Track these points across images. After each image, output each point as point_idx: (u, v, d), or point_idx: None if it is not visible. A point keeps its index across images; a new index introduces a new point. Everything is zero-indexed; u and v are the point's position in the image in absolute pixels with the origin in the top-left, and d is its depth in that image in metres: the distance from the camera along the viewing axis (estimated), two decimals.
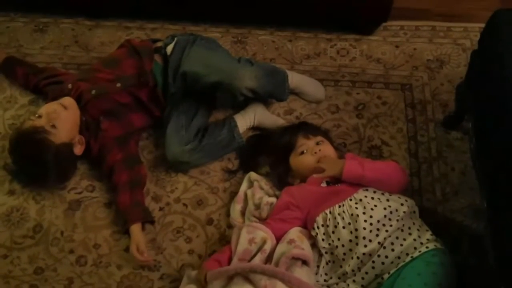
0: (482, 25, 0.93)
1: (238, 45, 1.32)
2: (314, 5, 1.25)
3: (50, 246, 1.02)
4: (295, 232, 0.91)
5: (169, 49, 1.10)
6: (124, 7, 1.36)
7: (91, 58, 1.31)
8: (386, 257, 0.83)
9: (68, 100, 1.05)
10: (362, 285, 0.85)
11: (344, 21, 1.30)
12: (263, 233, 0.90)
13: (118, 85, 1.07)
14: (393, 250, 0.83)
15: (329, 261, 0.89)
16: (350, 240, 0.86)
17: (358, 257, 0.84)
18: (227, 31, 1.35)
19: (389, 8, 1.25)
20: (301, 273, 0.85)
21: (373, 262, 0.83)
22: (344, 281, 0.87)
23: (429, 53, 1.27)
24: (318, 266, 0.90)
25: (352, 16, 1.28)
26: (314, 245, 0.92)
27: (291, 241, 0.89)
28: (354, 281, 0.85)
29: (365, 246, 0.84)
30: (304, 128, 1.02)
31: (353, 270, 0.85)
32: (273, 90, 1.12)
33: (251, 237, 0.90)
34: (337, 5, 1.24)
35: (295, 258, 0.87)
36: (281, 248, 0.89)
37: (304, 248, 0.88)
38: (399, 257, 0.82)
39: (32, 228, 1.04)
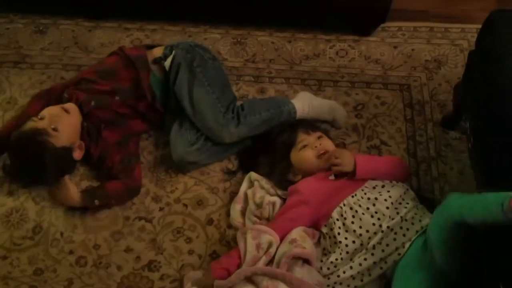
0: (479, 26, 0.93)
1: (237, 46, 1.33)
2: (313, 6, 1.26)
3: (49, 247, 1.01)
4: (297, 232, 0.92)
5: (167, 64, 1.08)
6: (124, 8, 1.37)
7: (90, 59, 1.31)
8: (408, 229, 0.84)
9: (71, 105, 1.06)
10: (381, 258, 0.85)
11: (343, 22, 1.30)
12: (268, 236, 0.91)
13: (117, 98, 1.07)
14: (413, 224, 0.84)
15: (340, 258, 0.89)
16: (374, 224, 0.87)
17: (382, 231, 0.86)
18: (226, 32, 1.36)
19: (387, 9, 1.26)
20: (301, 272, 0.86)
21: (395, 233, 0.85)
22: (359, 257, 0.86)
23: (427, 54, 1.28)
24: (326, 261, 0.90)
25: (350, 17, 1.28)
26: (318, 243, 0.93)
27: (292, 241, 0.89)
28: (372, 254, 0.85)
29: (389, 222, 0.86)
30: (304, 124, 1.03)
31: (373, 246, 0.86)
32: (268, 131, 1.08)
33: (257, 242, 0.90)
34: (336, 7, 1.24)
35: (296, 258, 0.87)
36: (283, 248, 0.89)
37: (306, 247, 0.88)
38: (418, 232, 0.83)
39: (31, 229, 1.04)
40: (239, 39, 1.34)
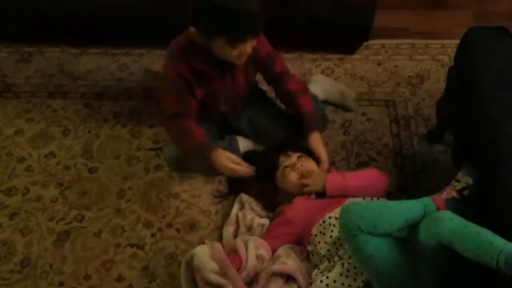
0: (458, 41, 0.97)
1: None
2: (298, 26, 1.28)
3: (38, 280, 0.99)
4: (283, 248, 0.93)
5: None
6: (109, 34, 1.37)
7: (77, 86, 1.31)
8: None
9: None
10: (362, 281, 0.84)
11: (327, 42, 1.33)
12: (266, 252, 0.91)
13: None
14: None
15: (323, 268, 0.89)
16: None
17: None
18: None
19: (370, 27, 1.29)
20: None
21: None
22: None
23: (409, 70, 1.31)
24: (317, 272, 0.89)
25: (335, 37, 1.31)
26: (308, 260, 0.93)
27: (276, 257, 0.91)
28: (354, 280, 0.85)
29: None
30: (284, 147, 1.05)
31: (355, 267, 0.85)
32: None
33: (258, 253, 0.90)
34: (320, 26, 1.27)
35: (278, 275, 0.88)
36: (268, 266, 0.90)
37: (287, 263, 0.89)
38: None
39: (19, 262, 1.01)
40: None
